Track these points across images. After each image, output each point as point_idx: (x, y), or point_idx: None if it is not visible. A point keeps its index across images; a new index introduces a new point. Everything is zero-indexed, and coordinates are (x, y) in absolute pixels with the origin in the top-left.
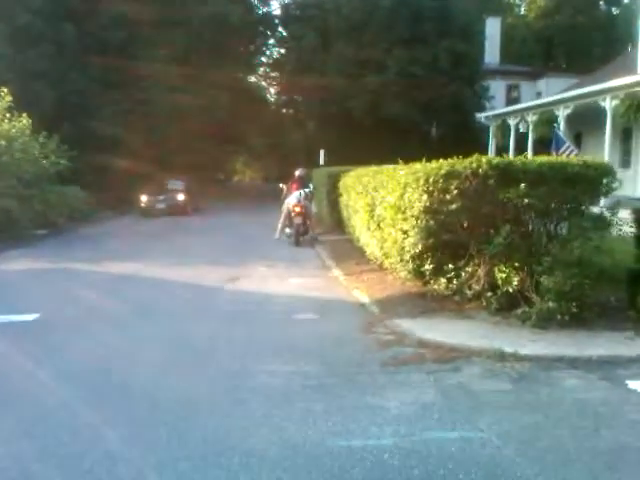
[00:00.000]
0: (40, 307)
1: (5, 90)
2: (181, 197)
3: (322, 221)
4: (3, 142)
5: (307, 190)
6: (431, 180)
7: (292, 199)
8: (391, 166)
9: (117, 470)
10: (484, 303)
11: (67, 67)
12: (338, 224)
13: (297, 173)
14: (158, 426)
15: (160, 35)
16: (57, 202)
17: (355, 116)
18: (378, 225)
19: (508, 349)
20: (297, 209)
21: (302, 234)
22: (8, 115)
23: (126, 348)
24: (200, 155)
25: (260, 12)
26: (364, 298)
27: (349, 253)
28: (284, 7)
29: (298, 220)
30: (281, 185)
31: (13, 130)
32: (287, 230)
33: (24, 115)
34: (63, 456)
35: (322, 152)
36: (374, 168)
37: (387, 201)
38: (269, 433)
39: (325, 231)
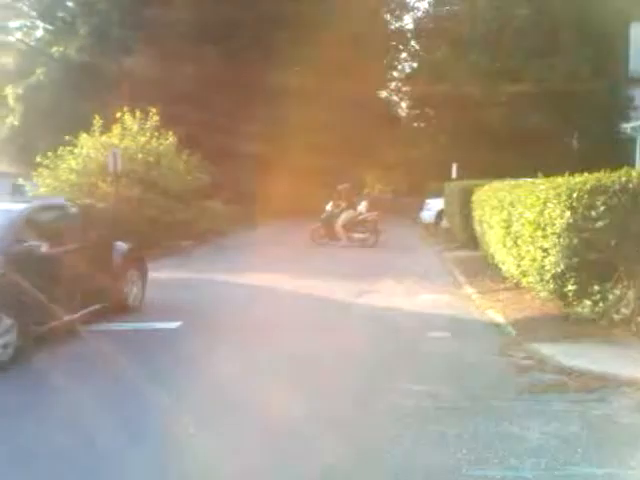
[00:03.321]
0: (181, 316)
1: (154, 110)
2: None
3: (454, 236)
4: (151, 158)
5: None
6: (575, 196)
7: (362, 208)
8: (529, 180)
9: None
10: (634, 329)
11: (208, 88)
12: (471, 239)
13: (345, 186)
14: (279, 449)
15: (294, 54)
16: (199, 215)
17: (489, 128)
18: (515, 242)
19: None
20: (371, 217)
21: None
22: (156, 133)
23: (254, 361)
24: (330, 169)
25: (393, 27)
26: (499, 318)
27: (482, 270)
28: (417, 21)
29: (376, 225)
30: (328, 207)
31: (160, 147)
32: (360, 235)
33: (170, 133)
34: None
35: (454, 165)
36: (511, 182)
37: (525, 217)
38: (400, 457)
39: (457, 246)
